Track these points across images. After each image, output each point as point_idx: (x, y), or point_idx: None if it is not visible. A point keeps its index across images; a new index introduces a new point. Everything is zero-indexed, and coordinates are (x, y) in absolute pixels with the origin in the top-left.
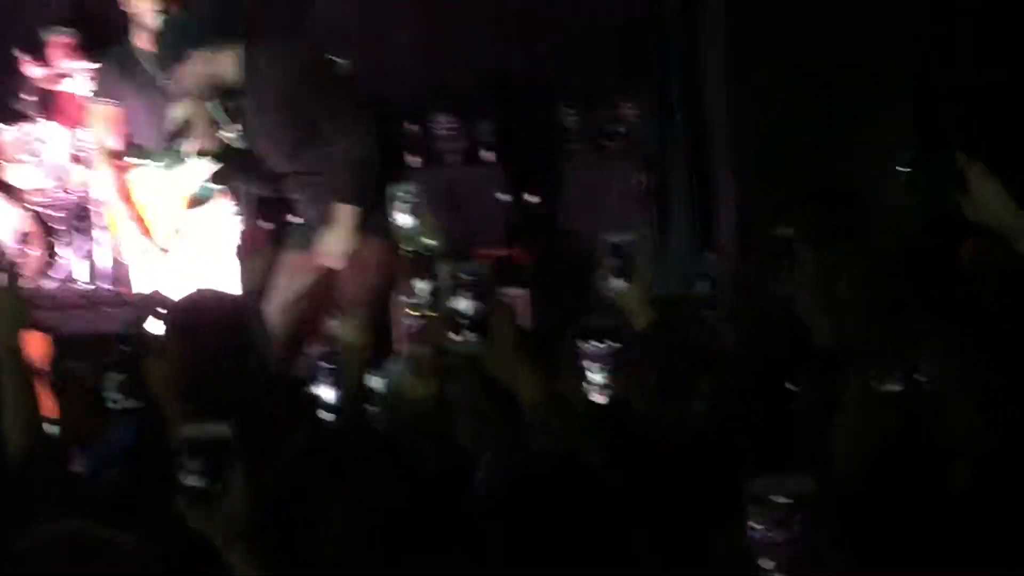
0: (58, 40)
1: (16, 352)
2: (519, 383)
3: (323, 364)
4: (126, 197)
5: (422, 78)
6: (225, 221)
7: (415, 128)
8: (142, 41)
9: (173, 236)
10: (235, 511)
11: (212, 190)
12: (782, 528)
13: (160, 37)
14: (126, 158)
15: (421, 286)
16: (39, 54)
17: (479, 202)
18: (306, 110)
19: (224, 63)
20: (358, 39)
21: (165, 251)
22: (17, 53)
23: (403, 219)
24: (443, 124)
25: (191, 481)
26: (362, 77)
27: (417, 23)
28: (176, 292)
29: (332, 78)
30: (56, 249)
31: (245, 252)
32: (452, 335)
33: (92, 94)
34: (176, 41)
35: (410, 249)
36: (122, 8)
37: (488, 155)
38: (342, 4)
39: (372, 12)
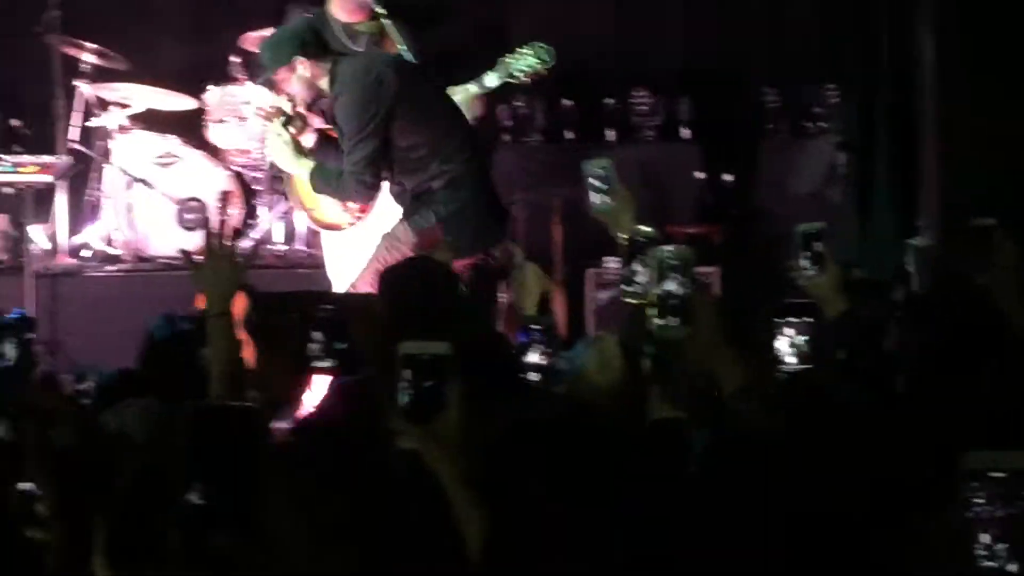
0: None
1: (226, 315)
2: (718, 368)
3: (533, 328)
4: None
5: (622, 54)
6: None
7: (613, 103)
8: (337, 10)
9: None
10: (450, 429)
11: None
12: (1001, 503)
13: (270, 41)
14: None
15: (639, 269)
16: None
17: (674, 178)
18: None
19: (320, 72)
20: (561, 14)
21: (351, 223)
22: None
23: (596, 195)
24: (641, 100)
25: (406, 398)
26: (565, 52)
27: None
28: (358, 263)
29: (370, 99)
30: (255, 209)
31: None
32: (656, 319)
33: None
34: (283, 47)
35: (625, 236)
36: None
37: (685, 132)
38: None
39: None
